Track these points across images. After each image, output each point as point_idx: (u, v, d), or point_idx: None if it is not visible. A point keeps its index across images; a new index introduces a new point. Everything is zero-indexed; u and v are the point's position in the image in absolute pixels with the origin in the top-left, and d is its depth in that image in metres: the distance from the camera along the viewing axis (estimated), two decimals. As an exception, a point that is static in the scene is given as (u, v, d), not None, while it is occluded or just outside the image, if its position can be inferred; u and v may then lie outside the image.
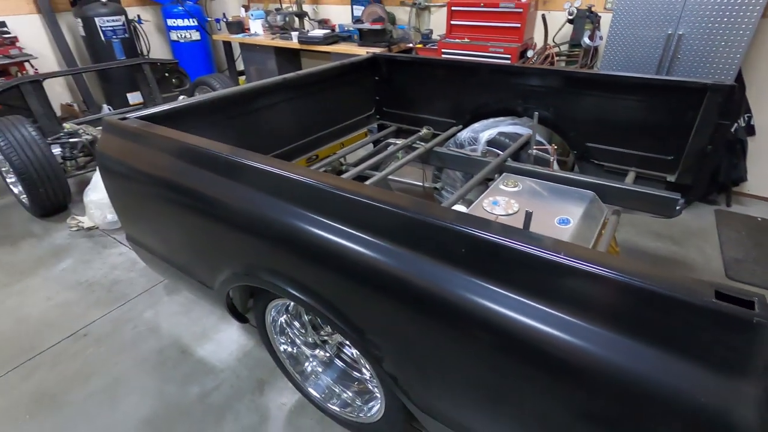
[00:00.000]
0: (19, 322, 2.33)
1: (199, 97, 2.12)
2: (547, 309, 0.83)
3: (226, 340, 2.18)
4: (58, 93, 5.06)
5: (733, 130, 3.12)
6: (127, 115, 1.73)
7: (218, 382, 1.96)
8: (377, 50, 3.94)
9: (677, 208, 2.34)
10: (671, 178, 2.31)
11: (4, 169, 3.32)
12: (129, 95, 5.02)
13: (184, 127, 2.03)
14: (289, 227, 1.17)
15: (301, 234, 1.15)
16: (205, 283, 1.66)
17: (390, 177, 2.65)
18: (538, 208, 1.88)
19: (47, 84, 3.71)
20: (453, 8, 3.70)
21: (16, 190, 3.35)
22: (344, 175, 2.34)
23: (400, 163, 2.36)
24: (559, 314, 0.81)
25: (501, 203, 1.90)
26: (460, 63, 2.88)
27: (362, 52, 3.78)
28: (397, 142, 2.60)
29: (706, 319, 0.70)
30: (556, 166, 2.66)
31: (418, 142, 2.61)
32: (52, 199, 3.19)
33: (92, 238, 3.06)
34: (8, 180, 3.40)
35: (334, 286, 1.15)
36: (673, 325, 0.73)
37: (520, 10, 3.41)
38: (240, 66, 5.81)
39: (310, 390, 1.75)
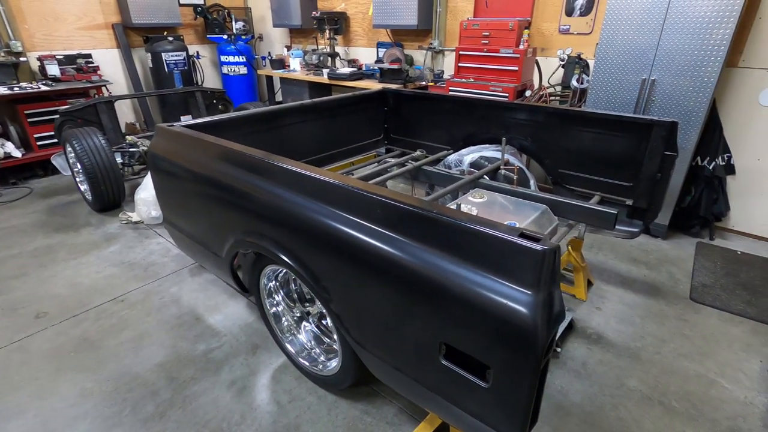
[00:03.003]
0: (73, 286, 2.87)
1: (231, 114, 2.67)
2: (425, 250, 1.20)
3: (232, 313, 2.61)
4: (125, 113, 5.94)
5: (711, 167, 3.35)
6: (174, 124, 2.28)
7: (221, 343, 2.38)
8: (394, 86, 4.49)
9: (636, 230, 2.63)
10: (629, 202, 2.60)
11: (76, 170, 4.02)
12: (183, 118, 5.81)
13: (217, 135, 2.59)
14: (270, 202, 1.61)
15: (278, 206, 1.58)
16: (217, 253, 2.11)
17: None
18: (494, 215, 2.23)
19: (117, 105, 4.48)
20: (461, 52, 4.21)
21: (82, 188, 4.03)
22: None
23: (389, 175, 2.79)
24: (434, 254, 1.19)
25: (463, 209, 2.27)
26: (455, 98, 3.33)
27: (380, 87, 4.33)
28: (391, 160, 3.04)
29: (514, 250, 1.05)
30: (534, 187, 3.01)
31: (410, 161, 3.04)
32: (110, 197, 3.83)
33: (137, 230, 3.64)
34: (78, 180, 4.10)
35: (300, 244, 1.56)
36: (497, 256, 1.09)
37: (517, 55, 3.86)
38: (279, 97, 6.56)
39: (288, 346, 2.13)
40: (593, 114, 2.65)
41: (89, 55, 5.28)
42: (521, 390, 1.08)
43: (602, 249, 3.34)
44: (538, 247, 1.01)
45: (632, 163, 2.54)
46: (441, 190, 2.49)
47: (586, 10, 3.76)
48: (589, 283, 2.90)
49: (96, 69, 5.25)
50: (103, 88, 5.14)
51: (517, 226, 2.13)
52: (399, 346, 1.37)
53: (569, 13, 3.85)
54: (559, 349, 2.27)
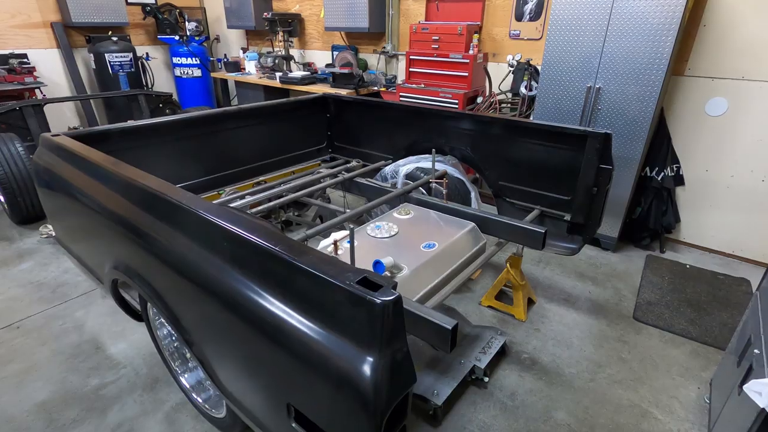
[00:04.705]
0: (-35, 312, 2.59)
1: (140, 121, 2.45)
2: (267, 293, 1.01)
3: (138, 341, 2.37)
4: (68, 117, 5.61)
5: (660, 178, 3.25)
6: (60, 132, 2.04)
7: (117, 377, 2.14)
8: (345, 91, 4.32)
9: (575, 246, 2.50)
10: (568, 218, 2.46)
11: (-6, 179, 3.71)
12: (130, 122, 5.51)
13: (118, 146, 2.36)
14: (130, 226, 1.40)
15: (136, 231, 1.37)
16: (100, 279, 1.88)
17: (316, 203, 2.89)
18: (416, 233, 2.06)
19: (56, 108, 4.17)
20: (411, 57, 4.06)
21: (1, 198, 3.72)
22: (271, 191, 2.58)
23: (317, 186, 2.60)
24: (274, 298, 0.99)
25: (383, 227, 2.09)
26: (396, 105, 3.16)
27: (332, 92, 4.14)
28: (323, 170, 2.85)
29: (350, 300, 0.87)
30: (475, 202, 2.85)
31: (342, 173, 2.85)
32: (29, 209, 3.53)
33: (56, 245, 3.35)
34: (-3, 189, 3.78)
35: (159, 278, 1.35)
36: (334, 306, 0.90)
37: (467, 61, 3.72)
38: (236, 102, 6.31)
39: (182, 380, 1.91)
40: (531, 124, 2.52)
41: (24, 55, 4.95)
42: (366, 466, 0.89)
43: (549, 264, 3.21)
44: (376, 298, 0.83)
45: (570, 176, 2.41)
46: (363, 206, 2.30)
47: (536, 15, 3.64)
48: (531, 302, 2.75)
49: (32, 70, 4.92)
50: (37, 91, 4.82)
51: (435, 247, 1.97)
52: (254, 402, 1.17)
53: (519, 17, 3.73)
54: (486, 379, 2.10)
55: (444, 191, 2.32)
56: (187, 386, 1.92)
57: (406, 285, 1.70)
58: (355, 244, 1.91)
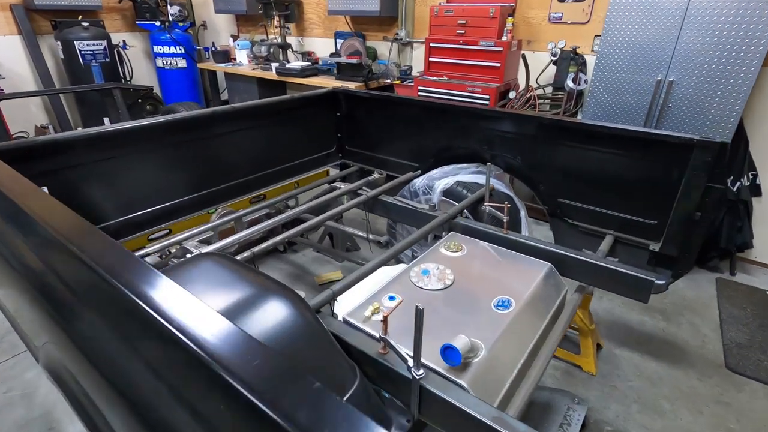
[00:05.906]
0: None
1: (104, 128, 1.86)
2: None
3: (105, 416, 1.81)
4: (34, 114, 4.94)
5: (735, 189, 2.75)
6: (-18, 147, 1.46)
7: (74, 477, 1.59)
8: (353, 84, 3.74)
9: (662, 282, 1.98)
10: (654, 247, 1.94)
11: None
12: (105, 119, 4.87)
13: (78, 161, 1.78)
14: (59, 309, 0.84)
15: (71, 325, 0.81)
16: (36, 357, 1.32)
17: (334, 225, 2.34)
18: (477, 282, 1.52)
19: (20, 104, 3.56)
20: (431, 45, 3.49)
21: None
22: (277, 218, 2.03)
23: (337, 210, 2.04)
24: None
25: (434, 273, 1.54)
26: (421, 102, 2.60)
27: (338, 85, 3.57)
28: (341, 186, 2.30)
29: None
30: (525, 220, 2.33)
31: (364, 189, 2.30)
32: (-23, 228, 2.93)
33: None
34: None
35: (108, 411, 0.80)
36: None
37: (500, 48, 3.16)
38: (225, 96, 5.69)
39: None
40: (610, 129, 1.95)
41: (-22, 43, 4.29)
42: None
43: (606, 293, 2.68)
44: None
45: (659, 195, 1.88)
46: (402, 241, 1.74)
47: (583, -5, 3.09)
48: (598, 346, 2.24)
49: (-12, 60, 4.27)
50: (-6, 84, 4.16)
51: (512, 306, 1.43)
52: None
53: (562, -3, 3.18)
54: (570, 472, 1.59)
55: (505, 218, 1.77)
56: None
57: (486, 374, 1.16)
58: (398, 300, 1.37)
